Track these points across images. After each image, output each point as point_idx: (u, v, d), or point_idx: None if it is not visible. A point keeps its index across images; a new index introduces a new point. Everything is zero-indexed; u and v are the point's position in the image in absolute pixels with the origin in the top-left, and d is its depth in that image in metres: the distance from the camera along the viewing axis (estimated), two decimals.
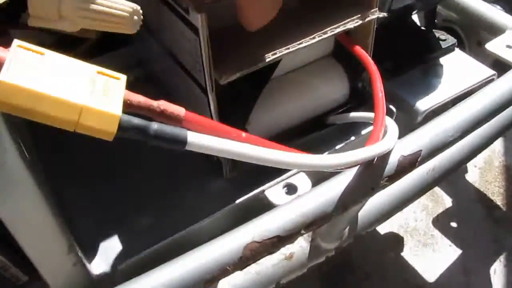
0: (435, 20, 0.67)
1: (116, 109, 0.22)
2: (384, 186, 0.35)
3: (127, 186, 0.47)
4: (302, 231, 0.31)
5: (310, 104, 0.49)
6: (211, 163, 0.47)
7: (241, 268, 0.31)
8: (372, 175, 0.35)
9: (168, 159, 0.47)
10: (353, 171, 0.35)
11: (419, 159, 0.37)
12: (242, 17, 0.36)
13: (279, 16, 0.45)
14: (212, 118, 0.43)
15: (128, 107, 0.24)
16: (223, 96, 0.43)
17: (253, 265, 0.40)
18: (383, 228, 0.83)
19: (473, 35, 0.72)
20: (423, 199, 0.88)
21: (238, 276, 0.42)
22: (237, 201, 0.44)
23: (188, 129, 0.24)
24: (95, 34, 0.41)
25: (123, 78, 0.25)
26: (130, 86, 0.61)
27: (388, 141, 0.35)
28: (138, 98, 0.25)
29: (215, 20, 0.40)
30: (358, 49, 0.44)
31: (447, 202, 0.88)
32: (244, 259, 0.30)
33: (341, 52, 0.50)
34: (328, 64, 0.51)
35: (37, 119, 0.21)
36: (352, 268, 0.78)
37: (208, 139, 0.24)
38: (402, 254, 0.81)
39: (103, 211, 0.45)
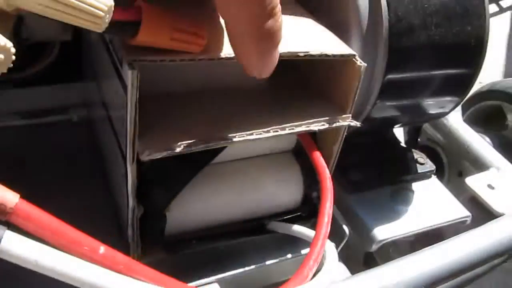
0: (418, 138, 0.62)
1: None
2: None
3: None
4: None
5: (251, 203, 0.42)
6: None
7: None
8: None
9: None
10: None
11: None
12: None
13: (238, 96, 0.39)
14: (128, 195, 0.35)
15: None
16: (148, 169, 0.36)
17: None
18: None
19: (455, 163, 0.67)
20: None
21: None
22: None
23: (14, 227, 0.17)
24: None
25: None
26: (66, 127, 0.54)
27: (316, 285, 0.27)
28: None
29: (155, 83, 0.33)
30: (317, 157, 0.37)
31: None
32: None
33: (302, 151, 0.44)
34: (285, 161, 0.44)
35: None
36: None
37: (33, 250, 0.17)
38: None
39: None
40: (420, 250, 0.34)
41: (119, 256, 0.20)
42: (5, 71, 0.20)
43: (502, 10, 1.86)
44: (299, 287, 0.26)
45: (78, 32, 0.49)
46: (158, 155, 0.32)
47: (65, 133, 0.54)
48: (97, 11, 0.20)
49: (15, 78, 0.52)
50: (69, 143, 0.52)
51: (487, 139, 0.74)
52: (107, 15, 0.21)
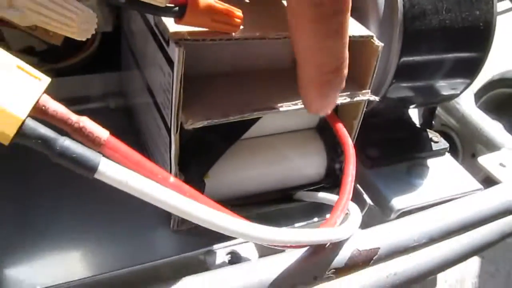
0: (433, 121, 0.65)
1: (22, 111, 0.19)
2: (328, 278, 0.31)
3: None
4: None
5: (279, 175, 0.46)
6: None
7: None
8: (318, 263, 0.31)
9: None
10: (300, 251, 0.31)
11: (374, 257, 0.33)
12: None
13: (267, 75, 0.43)
14: (170, 161, 0.40)
15: (42, 114, 0.21)
16: (189, 141, 0.40)
17: None
18: None
19: (468, 145, 0.70)
20: None
21: None
22: (174, 257, 0.39)
23: (106, 157, 0.21)
24: (60, 41, 0.38)
25: (45, 80, 0.22)
26: (104, 114, 0.59)
27: (344, 229, 0.31)
28: (56, 107, 0.21)
29: (194, 64, 0.38)
30: (340, 128, 0.41)
31: None
32: None
33: (325, 128, 0.48)
34: (310, 137, 0.48)
35: None
36: None
37: (123, 173, 0.21)
38: None
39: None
40: (440, 206, 0.38)
41: (185, 186, 0.24)
42: (89, 37, 0.24)
43: None
44: (331, 228, 0.30)
45: (117, 24, 0.53)
46: (200, 124, 0.36)
47: (103, 118, 0.58)
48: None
49: (58, 67, 0.56)
50: (107, 128, 0.57)
51: (500, 125, 0.77)
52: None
